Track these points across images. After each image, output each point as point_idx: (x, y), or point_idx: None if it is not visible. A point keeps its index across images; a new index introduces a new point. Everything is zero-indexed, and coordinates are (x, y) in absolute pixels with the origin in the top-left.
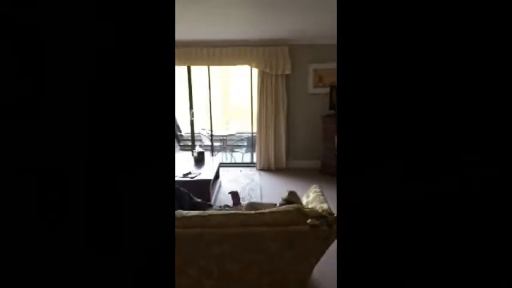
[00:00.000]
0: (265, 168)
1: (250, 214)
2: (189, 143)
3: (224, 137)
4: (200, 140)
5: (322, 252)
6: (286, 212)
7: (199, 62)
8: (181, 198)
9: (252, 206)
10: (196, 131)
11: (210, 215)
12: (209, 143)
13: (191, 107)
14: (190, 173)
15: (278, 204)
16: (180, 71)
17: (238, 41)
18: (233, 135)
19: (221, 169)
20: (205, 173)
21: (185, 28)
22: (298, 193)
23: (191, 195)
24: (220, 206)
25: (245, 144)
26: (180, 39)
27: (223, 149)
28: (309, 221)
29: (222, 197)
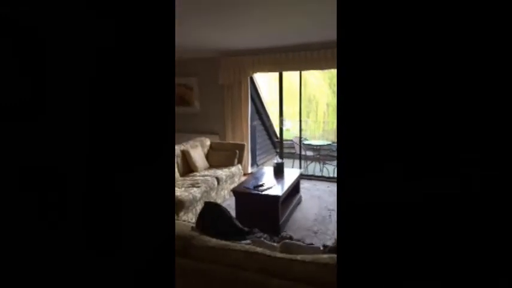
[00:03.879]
0: None
1: (276, 258)
2: (293, 151)
3: (318, 147)
4: (293, 148)
5: None
6: (325, 265)
7: (290, 66)
8: (218, 219)
9: (286, 246)
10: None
11: (231, 248)
12: (303, 152)
13: (281, 114)
14: (262, 185)
15: (322, 248)
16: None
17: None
18: (330, 144)
19: (307, 183)
20: (278, 187)
21: (276, 34)
22: None
23: (231, 216)
24: (262, 236)
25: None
26: (272, 45)
27: (316, 159)
28: None
29: (298, 216)
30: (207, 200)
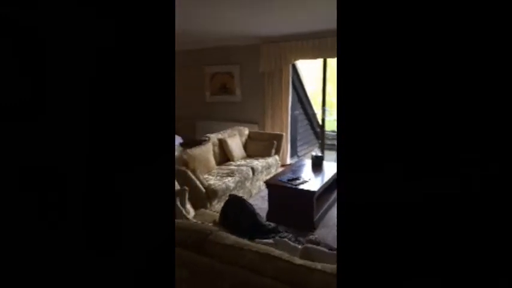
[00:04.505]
0: None
1: (294, 264)
2: (335, 142)
3: None
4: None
5: None
6: None
7: (335, 53)
8: (241, 213)
9: (308, 252)
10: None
11: (247, 248)
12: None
13: (323, 104)
14: (298, 178)
15: None
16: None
17: None
18: None
19: None
20: (314, 182)
21: (321, 17)
22: None
23: (255, 211)
24: (286, 236)
25: None
26: (316, 30)
27: None
28: None
29: (335, 213)
30: (240, 191)
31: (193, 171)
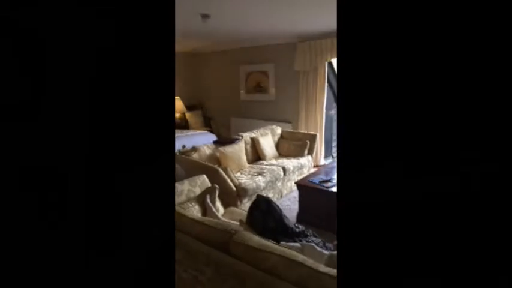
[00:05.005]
0: None
1: (318, 272)
2: None
3: None
4: None
5: None
6: None
7: None
8: (267, 214)
9: (333, 260)
10: None
11: (271, 251)
12: None
13: None
14: (330, 180)
15: None
16: None
17: None
18: None
19: None
20: None
21: None
22: None
23: (282, 213)
24: (314, 241)
25: None
26: None
27: None
28: None
29: None
30: (270, 191)
31: (225, 169)
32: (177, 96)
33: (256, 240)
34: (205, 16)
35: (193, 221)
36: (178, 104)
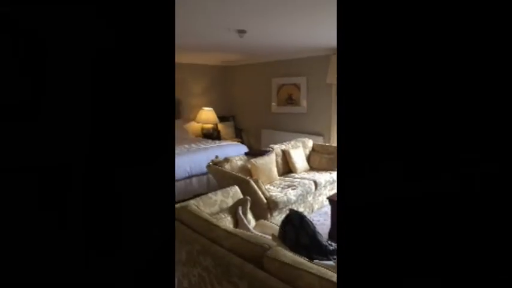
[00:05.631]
0: None
1: None
2: None
3: None
4: None
5: None
6: None
7: None
8: (300, 231)
9: None
10: None
11: (305, 269)
12: None
13: None
14: None
15: None
16: None
17: None
18: None
19: None
20: None
21: None
22: None
23: (317, 230)
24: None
25: None
26: None
27: None
28: None
29: None
30: (301, 205)
31: (256, 181)
32: (210, 107)
33: (290, 256)
34: (241, 31)
35: (227, 232)
36: (212, 115)
